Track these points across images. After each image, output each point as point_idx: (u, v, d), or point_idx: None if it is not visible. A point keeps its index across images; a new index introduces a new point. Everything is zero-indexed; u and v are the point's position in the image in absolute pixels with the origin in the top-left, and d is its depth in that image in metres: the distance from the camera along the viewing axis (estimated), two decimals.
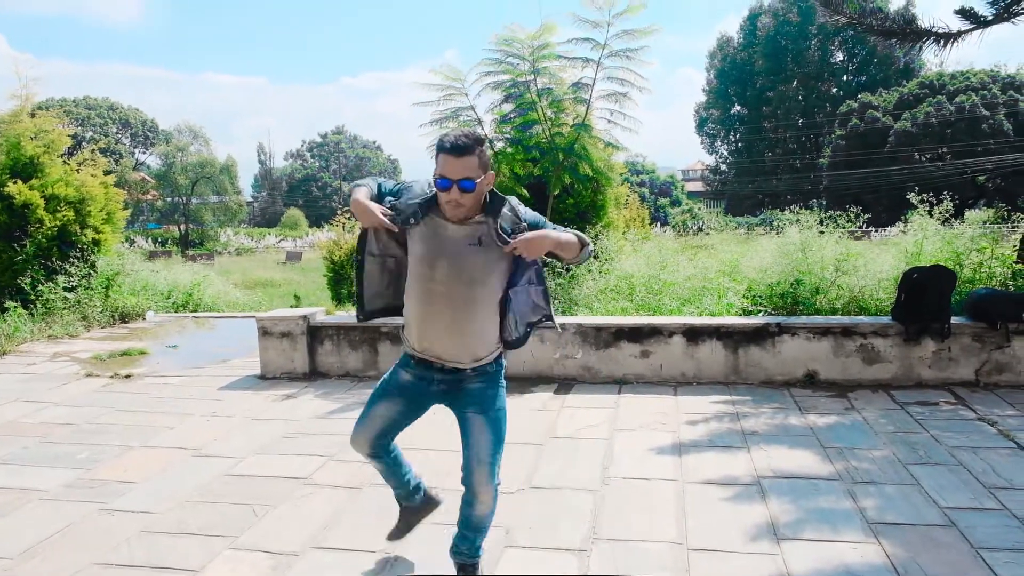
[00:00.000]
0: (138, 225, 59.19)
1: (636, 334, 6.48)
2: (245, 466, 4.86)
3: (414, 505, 3.40)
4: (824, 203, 44.92)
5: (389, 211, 2.80)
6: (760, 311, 7.03)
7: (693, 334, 6.39)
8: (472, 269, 2.75)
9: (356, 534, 3.80)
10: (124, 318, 10.93)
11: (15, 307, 9.90)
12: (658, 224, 41.52)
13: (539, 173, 8.56)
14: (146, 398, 6.65)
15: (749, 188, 62.15)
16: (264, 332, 7.17)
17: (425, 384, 2.94)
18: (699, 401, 5.92)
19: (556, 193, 8.70)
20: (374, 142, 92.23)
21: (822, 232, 7.86)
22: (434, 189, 2.74)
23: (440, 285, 2.76)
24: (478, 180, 2.66)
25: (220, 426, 5.78)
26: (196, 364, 7.97)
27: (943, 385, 6.12)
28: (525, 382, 6.64)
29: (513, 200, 2.84)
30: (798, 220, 7.87)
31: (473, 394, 2.91)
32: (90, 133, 60.45)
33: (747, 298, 7.30)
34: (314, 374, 7.19)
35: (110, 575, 3.50)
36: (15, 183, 10.70)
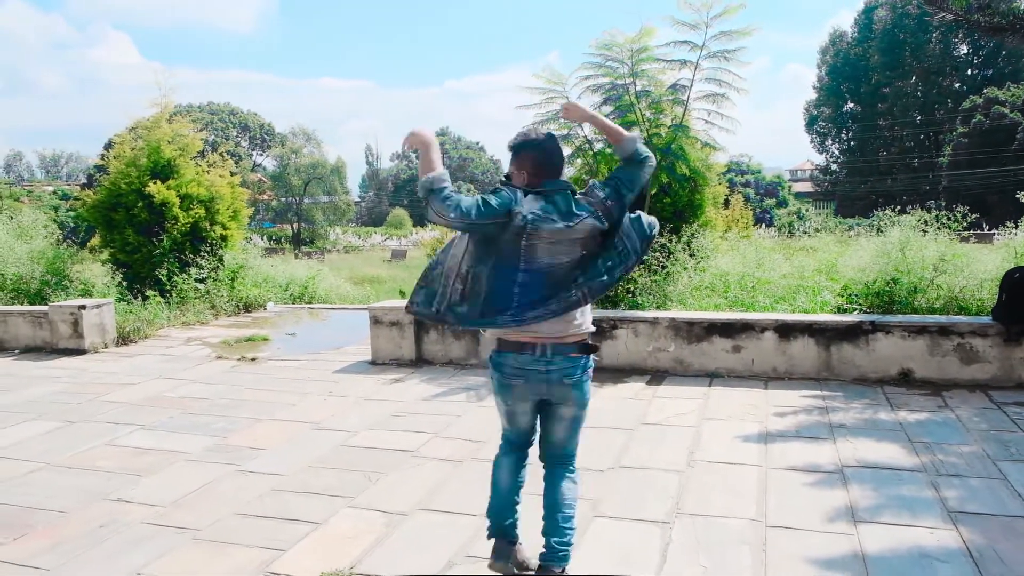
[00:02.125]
0: (255, 224, 62.34)
1: (728, 329, 6.65)
2: (359, 439, 5.36)
3: (509, 541, 3.26)
4: (943, 204, 42.80)
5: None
6: (855, 309, 7.05)
7: (785, 330, 6.51)
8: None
9: (459, 499, 4.19)
10: (247, 308, 11.83)
11: (154, 296, 10.89)
12: (763, 225, 40.54)
13: None
14: (269, 379, 7.31)
15: (861, 188, 59.78)
16: (375, 321, 7.72)
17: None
18: (789, 395, 6.05)
19: (654, 192, 8.91)
20: (477, 143, 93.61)
21: (925, 232, 7.76)
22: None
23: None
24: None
25: (336, 404, 6.33)
26: (313, 350, 8.63)
27: None
28: (619, 372, 6.91)
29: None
30: (899, 220, 7.80)
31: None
32: (213, 136, 63.93)
33: (843, 296, 7.32)
34: (420, 361, 7.68)
35: (246, 523, 4.02)
36: (155, 183, 11.75)
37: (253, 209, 60.22)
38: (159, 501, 4.37)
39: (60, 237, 12.61)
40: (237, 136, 71.86)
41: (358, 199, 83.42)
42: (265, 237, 52.05)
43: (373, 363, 7.76)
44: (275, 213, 62.50)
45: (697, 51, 8.28)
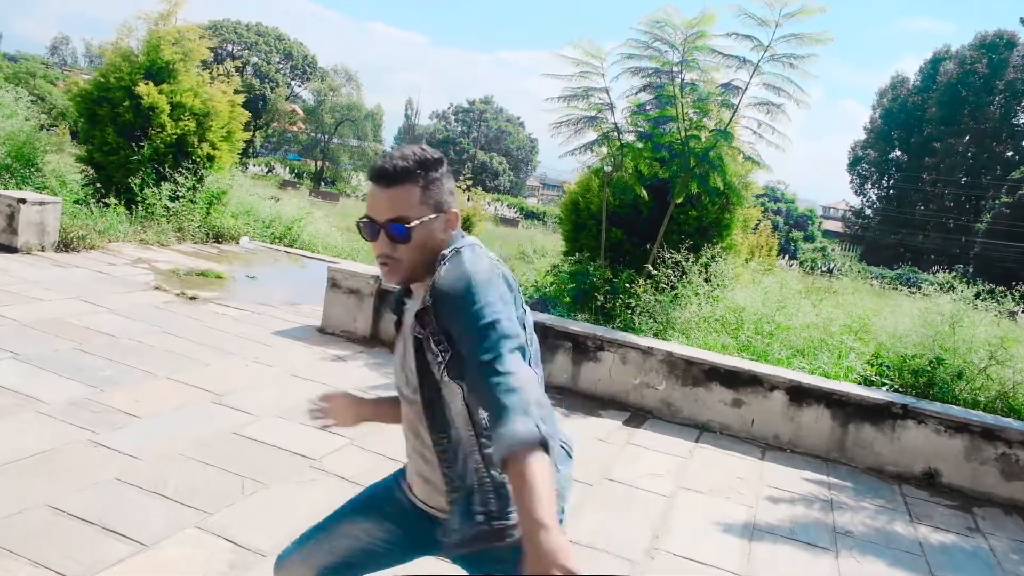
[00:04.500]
0: (280, 153, 61.44)
1: (732, 378, 5.60)
2: (258, 428, 4.35)
3: None
4: (971, 271, 41.25)
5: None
6: (885, 384, 5.98)
7: (798, 393, 5.46)
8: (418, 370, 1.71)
9: None
10: (218, 238, 10.82)
11: (116, 204, 9.89)
12: (786, 257, 39.22)
13: (665, 176, 7.69)
14: (198, 325, 6.30)
15: (892, 239, 58.20)
16: (333, 284, 6.70)
17: (429, 524, 1.86)
18: (788, 473, 5.01)
19: (679, 201, 7.82)
20: (518, 118, 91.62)
21: (976, 307, 6.63)
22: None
23: (403, 392, 1.83)
24: (415, 223, 1.63)
25: (256, 375, 5.33)
26: (265, 301, 7.62)
27: None
28: (594, 403, 5.88)
29: (461, 254, 1.66)
30: (952, 288, 6.69)
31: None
32: (255, 58, 62.77)
33: (872, 365, 6.24)
34: (374, 339, 6.67)
35: (55, 525, 3.03)
36: (146, 84, 10.69)
37: (279, 138, 59.42)
38: None
39: (40, 122, 11.58)
40: (280, 63, 70.57)
41: (390, 150, 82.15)
42: (287, 169, 51.22)
43: (321, 331, 6.75)
44: (302, 147, 61.58)
45: (760, 51, 7.19)
